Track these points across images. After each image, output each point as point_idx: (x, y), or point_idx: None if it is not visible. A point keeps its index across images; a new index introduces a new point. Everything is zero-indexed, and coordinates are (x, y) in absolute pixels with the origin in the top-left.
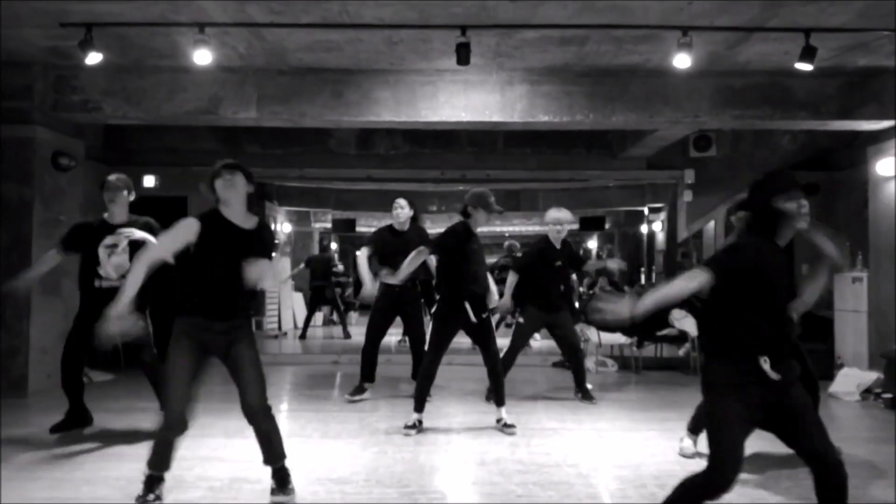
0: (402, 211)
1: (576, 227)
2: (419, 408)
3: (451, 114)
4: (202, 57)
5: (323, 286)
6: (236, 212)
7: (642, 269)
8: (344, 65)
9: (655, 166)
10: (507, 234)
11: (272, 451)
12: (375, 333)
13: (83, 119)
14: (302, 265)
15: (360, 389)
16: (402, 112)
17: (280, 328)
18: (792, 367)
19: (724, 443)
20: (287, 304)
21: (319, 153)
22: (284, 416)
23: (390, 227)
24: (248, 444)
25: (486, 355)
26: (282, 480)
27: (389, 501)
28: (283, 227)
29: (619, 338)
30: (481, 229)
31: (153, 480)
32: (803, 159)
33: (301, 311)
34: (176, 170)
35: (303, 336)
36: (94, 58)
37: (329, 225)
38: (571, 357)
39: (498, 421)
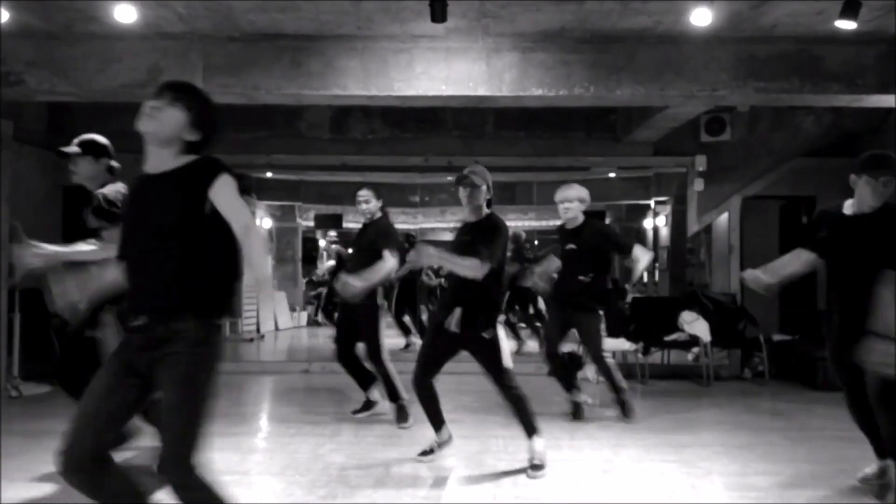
0: (369, 206)
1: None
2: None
3: (430, 86)
4: (125, 14)
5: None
6: (156, 157)
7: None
8: (304, 29)
9: (663, 152)
10: None
11: None
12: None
13: (6, 95)
14: (332, 262)
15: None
16: (373, 84)
17: (259, 331)
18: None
19: None
20: (267, 305)
21: (289, 137)
22: (225, 443)
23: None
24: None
25: (493, 383)
26: None
27: None
28: (264, 223)
29: (622, 343)
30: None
31: None
32: (827, 144)
33: (284, 312)
34: (128, 156)
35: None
36: None
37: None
38: (597, 367)
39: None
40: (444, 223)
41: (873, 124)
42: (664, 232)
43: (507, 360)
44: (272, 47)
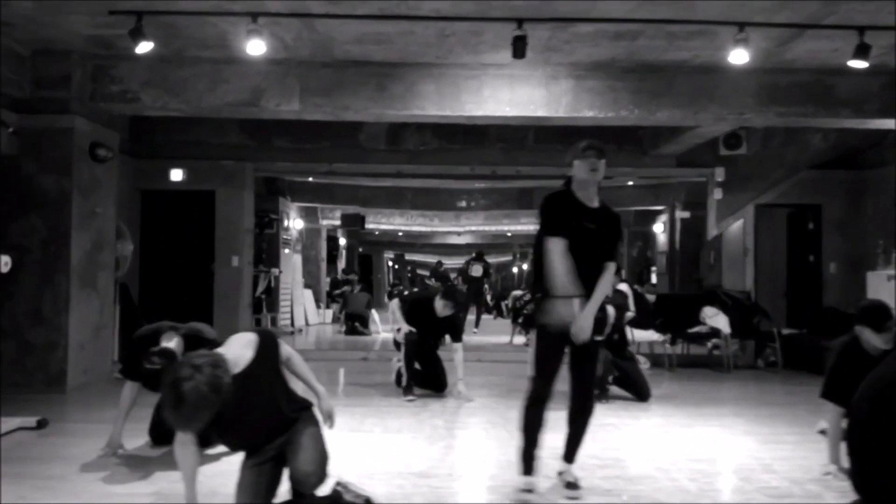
0: None
1: None
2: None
3: (496, 108)
4: (255, 48)
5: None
6: None
7: (653, 269)
8: (389, 58)
9: (684, 164)
10: (508, 234)
11: None
12: None
13: (122, 109)
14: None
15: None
16: (446, 106)
17: (293, 324)
18: None
19: None
20: (299, 302)
21: (349, 148)
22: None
23: None
24: None
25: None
26: None
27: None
28: (295, 224)
29: (651, 335)
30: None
31: None
32: (833, 158)
33: (311, 308)
34: (204, 163)
35: None
36: (144, 47)
37: (337, 222)
38: None
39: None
40: (487, 226)
41: (873, 140)
42: (661, 238)
43: None
44: (359, 72)
